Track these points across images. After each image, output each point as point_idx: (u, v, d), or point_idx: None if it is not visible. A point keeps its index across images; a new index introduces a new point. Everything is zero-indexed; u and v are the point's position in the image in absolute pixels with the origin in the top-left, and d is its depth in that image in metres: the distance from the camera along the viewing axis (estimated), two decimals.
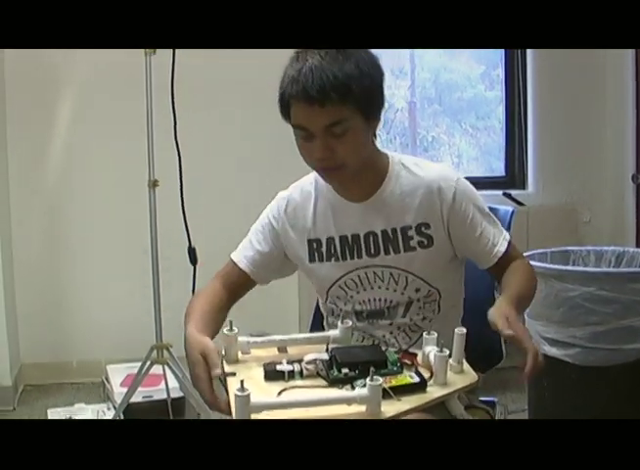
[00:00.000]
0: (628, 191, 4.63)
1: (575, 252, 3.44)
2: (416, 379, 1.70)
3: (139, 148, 3.35)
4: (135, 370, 3.37)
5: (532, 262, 3.08)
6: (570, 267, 3.24)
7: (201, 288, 2.80)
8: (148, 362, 3.30)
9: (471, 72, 5.04)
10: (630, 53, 4.52)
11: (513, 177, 4.86)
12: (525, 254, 3.19)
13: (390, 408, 1.62)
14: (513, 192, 4.64)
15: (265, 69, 4.17)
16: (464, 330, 1.78)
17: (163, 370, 3.43)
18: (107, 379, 4.04)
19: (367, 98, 1.90)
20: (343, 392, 1.67)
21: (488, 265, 2.05)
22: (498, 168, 4.95)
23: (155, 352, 3.32)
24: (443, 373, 1.73)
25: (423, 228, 2.01)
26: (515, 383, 3.86)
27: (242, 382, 1.54)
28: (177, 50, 3.12)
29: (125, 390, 3.43)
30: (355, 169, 1.96)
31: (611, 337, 2.99)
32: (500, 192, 4.56)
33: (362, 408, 1.60)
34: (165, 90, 3.02)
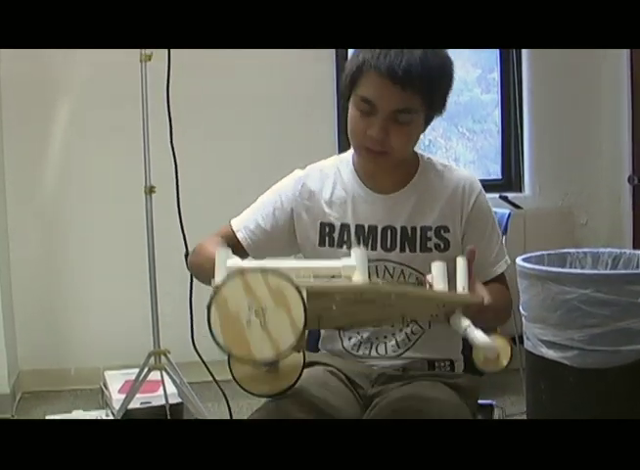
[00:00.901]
0: (625, 193, 4.64)
1: (572, 254, 3.43)
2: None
3: (135, 154, 3.35)
4: (133, 376, 3.37)
5: (529, 265, 3.10)
6: (566, 270, 3.23)
7: (195, 295, 2.82)
8: (146, 369, 3.30)
9: (467, 76, 5.05)
10: (625, 56, 4.53)
11: (509, 180, 4.88)
12: (521, 257, 3.20)
13: (388, 286, 1.72)
14: (510, 195, 4.66)
15: (262, 74, 4.23)
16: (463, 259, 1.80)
17: (161, 376, 3.43)
18: (105, 385, 4.04)
19: (440, 99, 1.96)
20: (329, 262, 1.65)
21: (478, 279, 2.03)
22: (495, 172, 4.97)
23: (152, 358, 3.32)
24: (441, 278, 1.76)
25: (442, 231, 2.03)
26: (513, 386, 3.87)
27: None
28: (173, 56, 3.12)
29: (124, 396, 3.43)
30: (396, 162, 1.99)
31: (608, 339, 2.97)
32: (497, 195, 4.57)
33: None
34: (161, 96, 3.02)
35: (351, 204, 2.06)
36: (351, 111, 1.95)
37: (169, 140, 3.05)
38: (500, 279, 2.13)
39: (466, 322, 1.77)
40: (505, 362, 1.74)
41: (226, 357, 1.78)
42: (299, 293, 1.41)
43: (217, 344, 1.41)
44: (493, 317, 2.00)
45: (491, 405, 2.35)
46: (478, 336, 1.74)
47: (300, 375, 1.89)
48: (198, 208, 3.73)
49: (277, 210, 2.10)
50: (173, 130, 3.08)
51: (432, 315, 1.83)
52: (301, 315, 1.40)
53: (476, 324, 1.97)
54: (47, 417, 3.79)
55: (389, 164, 2.00)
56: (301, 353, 1.91)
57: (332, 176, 2.11)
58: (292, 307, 1.40)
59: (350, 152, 2.14)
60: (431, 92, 1.89)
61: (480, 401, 2.22)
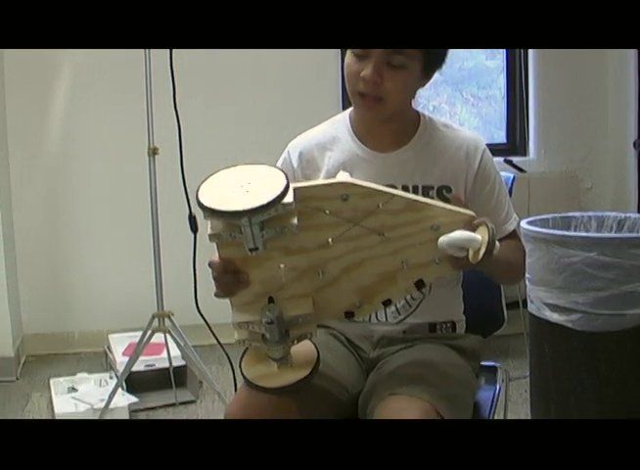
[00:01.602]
0: (630, 157, 4.62)
1: (577, 218, 3.43)
2: None
3: (138, 116, 3.33)
4: (137, 339, 3.37)
5: (534, 228, 3.10)
6: (571, 233, 3.23)
7: (199, 257, 2.82)
8: (149, 331, 3.30)
9: None
10: None
11: (514, 144, 4.86)
12: (526, 220, 3.20)
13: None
14: (514, 159, 4.64)
15: None
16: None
17: (165, 339, 3.43)
18: (109, 348, 4.05)
19: (436, 51, 1.92)
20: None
21: None
22: (499, 138, 4.94)
23: (156, 320, 3.32)
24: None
25: (444, 191, 2.00)
26: (516, 350, 3.88)
27: None
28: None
29: (127, 359, 3.44)
30: (391, 111, 1.96)
31: (612, 302, 2.98)
32: (501, 159, 4.55)
33: None
34: (165, 57, 3.00)
35: (350, 164, 2.03)
36: (347, 57, 1.94)
37: (173, 101, 3.03)
38: (513, 236, 2.10)
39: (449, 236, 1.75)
40: (483, 251, 1.71)
41: (231, 321, 1.81)
42: (284, 173, 1.65)
43: (202, 206, 1.58)
44: (507, 269, 2.00)
45: (495, 367, 2.34)
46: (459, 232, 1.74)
47: (316, 369, 1.86)
48: (201, 170, 3.69)
49: None
50: (177, 91, 3.05)
51: (434, 261, 1.80)
52: (282, 182, 1.61)
53: (491, 276, 1.98)
54: (51, 380, 3.81)
55: (385, 113, 1.97)
56: (315, 349, 1.89)
57: (328, 145, 2.08)
58: (275, 180, 1.62)
59: (347, 112, 2.12)
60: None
61: (483, 363, 2.21)
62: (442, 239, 1.74)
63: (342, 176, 1.82)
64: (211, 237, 1.69)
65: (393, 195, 1.78)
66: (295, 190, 1.67)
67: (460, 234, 1.74)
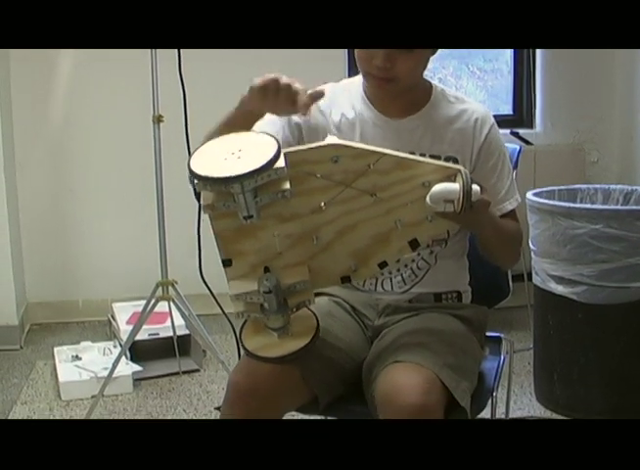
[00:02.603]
0: (637, 131, 4.60)
1: (583, 190, 3.42)
2: None
3: (143, 82, 3.31)
4: (141, 308, 3.36)
5: (540, 200, 3.09)
6: (577, 205, 3.22)
7: (204, 226, 2.81)
8: (153, 300, 3.29)
9: None
10: None
11: (521, 116, 4.83)
12: (531, 192, 3.19)
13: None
14: (520, 131, 4.62)
15: None
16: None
17: (169, 307, 3.43)
18: (113, 317, 4.06)
19: None
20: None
21: None
22: (505, 111, 4.91)
23: (160, 288, 3.31)
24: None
25: (451, 162, 1.98)
26: (520, 322, 3.88)
27: None
28: None
29: (131, 327, 3.44)
30: (405, 88, 1.97)
31: (618, 275, 2.98)
32: (508, 131, 4.53)
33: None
34: None
35: (359, 126, 2.04)
36: None
37: (178, 67, 3.01)
38: (511, 215, 2.08)
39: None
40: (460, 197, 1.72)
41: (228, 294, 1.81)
42: (275, 138, 1.67)
43: (195, 175, 1.60)
44: (499, 240, 1.98)
45: (499, 338, 2.34)
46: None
47: (316, 336, 1.86)
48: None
49: (285, 125, 2.03)
50: (182, 57, 3.03)
51: (426, 218, 1.81)
52: (274, 147, 1.63)
53: (483, 246, 1.98)
54: (55, 349, 3.82)
55: (399, 91, 1.98)
56: (314, 317, 1.90)
57: (342, 98, 2.08)
58: (266, 145, 1.65)
59: (360, 75, 2.10)
60: None
61: (487, 334, 2.21)
62: (427, 196, 1.76)
63: (332, 139, 1.83)
64: (205, 208, 1.69)
65: (383, 154, 1.80)
66: (285, 155, 1.68)
67: (438, 186, 1.76)
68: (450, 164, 1.83)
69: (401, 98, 2.02)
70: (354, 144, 1.84)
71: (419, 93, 2.05)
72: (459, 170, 1.76)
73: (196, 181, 1.64)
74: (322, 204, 1.81)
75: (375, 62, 1.89)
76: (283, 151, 1.68)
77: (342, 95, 2.08)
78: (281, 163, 1.66)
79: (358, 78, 2.10)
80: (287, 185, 1.69)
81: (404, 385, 1.74)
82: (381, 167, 1.79)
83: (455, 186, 1.73)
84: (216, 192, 1.69)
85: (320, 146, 1.82)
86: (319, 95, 1.81)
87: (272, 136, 1.68)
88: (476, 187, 1.73)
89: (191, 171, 1.62)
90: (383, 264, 1.88)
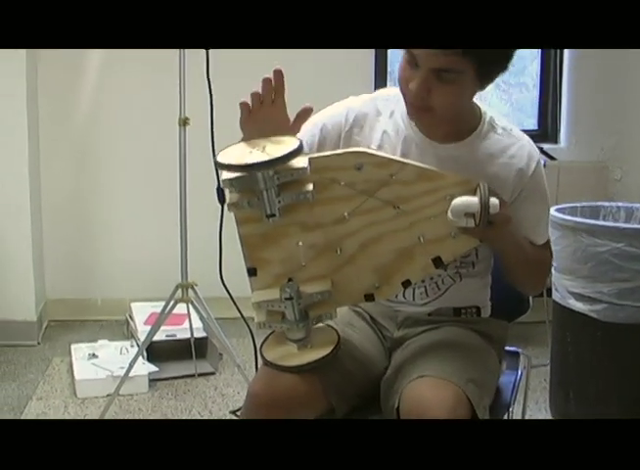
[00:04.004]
0: None
1: (606, 207, 3.41)
2: None
3: (171, 85, 3.32)
4: (159, 309, 3.37)
5: (562, 216, 3.08)
6: (600, 222, 3.21)
7: (225, 230, 2.81)
8: (172, 301, 3.30)
9: None
10: None
11: (545, 131, 4.81)
12: (554, 207, 3.18)
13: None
14: (545, 146, 4.60)
15: None
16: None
17: (187, 309, 3.43)
18: (130, 317, 4.07)
19: (492, 60, 1.81)
20: None
21: None
22: (529, 125, 4.89)
23: (179, 290, 3.32)
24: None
25: None
26: (538, 338, 3.85)
27: None
28: None
29: (149, 328, 3.44)
30: (442, 120, 1.89)
31: (638, 294, 2.96)
32: None
33: None
34: None
35: (401, 146, 1.97)
36: (402, 58, 1.85)
37: (206, 72, 3.01)
38: (541, 246, 2.04)
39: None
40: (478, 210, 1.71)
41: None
42: (299, 139, 1.72)
43: (220, 165, 1.69)
44: (523, 260, 1.95)
45: (517, 352, 2.33)
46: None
47: (337, 349, 1.87)
48: (232, 141, 3.70)
49: (324, 131, 2.00)
50: (210, 61, 3.03)
51: (450, 235, 1.81)
52: (296, 142, 1.69)
53: (506, 265, 1.96)
54: (72, 346, 3.83)
55: (433, 121, 1.90)
56: (335, 332, 1.91)
57: (386, 115, 2.00)
58: (289, 142, 1.70)
59: None
60: (476, 53, 1.74)
61: (506, 348, 2.19)
62: (449, 210, 1.76)
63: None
64: (230, 206, 1.75)
65: (405, 163, 1.81)
66: (309, 160, 1.73)
67: (458, 200, 1.76)
68: (471, 178, 1.81)
69: (447, 124, 1.94)
70: (377, 152, 1.84)
71: (467, 119, 1.97)
72: (478, 184, 1.75)
73: (222, 178, 1.71)
74: (345, 214, 1.81)
75: (411, 86, 1.81)
76: (307, 156, 1.73)
77: (386, 110, 2.01)
78: (304, 163, 1.71)
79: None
80: (310, 187, 1.73)
81: (432, 400, 1.73)
82: (403, 178, 1.80)
83: (474, 199, 1.73)
84: (240, 190, 1.73)
85: (344, 152, 1.84)
86: (307, 113, 1.84)
87: (295, 137, 1.73)
88: (494, 200, 1.72)
89: (216, 162, 1.69)
90: (406, 283, 1.88)
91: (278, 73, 1.81)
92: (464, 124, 1.97)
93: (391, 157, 1.82)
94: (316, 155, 1.81)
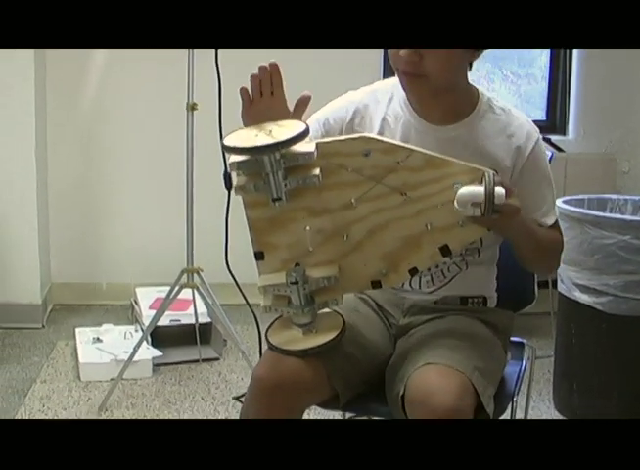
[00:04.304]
0: None
1: (613, 200, 3.40)
2: None
3: (178, 71, 3.32)
4: (164, 294, 3.37)
5: (569, 207, 3.07)
6: (607, 214, 3.20)
7: (232, 216, 2.81)
8: (177, 286, 3.30)
9: None
10: None
11: (553, 123, 4.80)
12: (561, 199, 3.17)
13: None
14: (552, 137, 4.59)
15: None
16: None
17: (192, 295, 3.45)
18: (135, 301, 4.07)
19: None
20: None
21: None
22: (538, 117, 4.88)
23: (185, 276, 3.32)
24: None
25: None
26: (542, 329, 3.85)
27: None
28: None
29: (154, 313, 3.45)
30: (437, 87, 1.90)
31: None
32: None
33: None
34: None
35: (401, 131, 1.99)
36: None
37: (215, 57, 3.00)
38: (551, 227, 2.05)
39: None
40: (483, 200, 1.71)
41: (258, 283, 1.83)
42: (305, 123, 1.75)
43: (226, 147, 1.71)
44: (534, 246, 1.97)
45: (522, 343, 2.33)
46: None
47: (342, 333, 1.87)
48: (239, 126, 3.69)
49: (326, 126, 2.02)
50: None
51: (458, 223, 1.80)
52: (303, 126, 1.71)
53: (517, 250, 1.95)
54: (77, 330, 3.84)
55: (430, 90, 1.91)
56: (340, 317, 1.91)
57: (384, 103, 2.03)
58: (296, 126, 1.73)
59: None
60: None
61: (511, 339, 2.19)
62: (455, 199, 1.76)
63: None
64: (237, 189, 1.76)
65: (412, 150, 1.80)
66: (317, 145, 1.74)
67: (464, 189, 1.76)
68: (478, 166, 1.81)
69: (442, 102, 1.96)
70: (385, 139, 1.84)
71: (463, 100, 1.99)
72: (484, 172, 1.75)
73: (229, 161, 1.73)
74: (352, 199, 1.81)
75: (402, 52, 1.83)
76: (315, 141, 1.75)
77: (384, 99, 2.04)
78: (310, 147, 1.72)
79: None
80: (316, 171, 1.74)
81: (439, 387, 1.73)
82: (411, 164, 1.80)
83: (480, 189, 1.73)
84: (247, 174, 1.75)
85: (351, 138, 1.84)
86: (305, 101, 1.88)
87: (302, 122, 1.76)
88: (499, 189, 1.71)
89: (223, 145, 1.71)
90: (413, 271, 1.88)
91: (274, 66, 1.86)
92: (461, 105, 1.99)
93: (399, 143, 1.83)
94: (324, 140, 1.82)
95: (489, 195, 1.70)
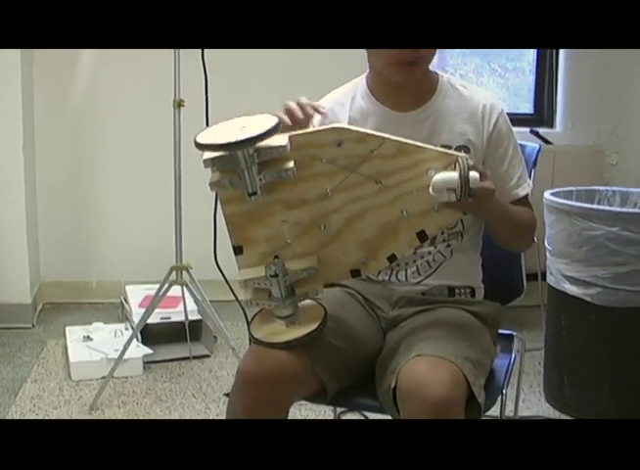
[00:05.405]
0: None
1: (601, 192, 3.41)
2: None
3: (165, 67, 3.31)
4: (154, 291, 3.36)
5: (557, 200, 3.08)
6: (595, 206, 3.21)
7: (220, 212, 2.81)
8: (167, 283, 3.30)
9: None
10: None
11: (541, 115, 4.82)
12: (549, 191, 3.18)
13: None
14: (540, 130, 4.60)
15: None
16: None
17: (182, 292, 3.44)
18: (125, 299, 4.07)
19: None
20: None
21: None
22: (525, 110, 4.89)
23: (174, 273, 3.32)
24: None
25: (462, 151, 1.96)
26: (532, 322, 3.86)
27: None
28: None
29: (143, 310, 3.45)
30: (423, 72, 1.99)
31: (633, 278, 2.96)
32: (527, 129, 4.52)
33: None
34: None
35: (369, 124, 2.03)
36: None
37: (201, 53, 3.00)
38: (523, 202, 2.09)
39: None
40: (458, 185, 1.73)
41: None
42: (278, 116, 1.76)
43: (199, 145, 1.72)
44: (510, 226, 2.00)
45: (511, 335, 2.33)
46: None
47: (323, 324, 1.89)
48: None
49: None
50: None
51: (433, 208, 1.81)
52: (275, 120, 1.71)
53: (493, 233, 1.97)
54: (67, 328, 3.84)
55: (418, 75, 1.99)
56: (322, 307, 1.92)
57: (348, 105, 2.09)
58: (268, 120, 1.72)
59: (362, 76, 2.13)
60: None
61: (500, 331, 2.20)
62: (430, 186, 1.77)
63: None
64: (212, 185, 1.78)
65: (384, 138, 1.81)
66: (290, 138, 1.75)
67: (438, 176, 1.77)
68: (450, 151, 1.84)
69: (409, 89, 2.03)
70: (357, 128, 1.85)
71: (425, 84, 2.06)
72: (457, 157, 1.76)
73: (203, 158, 1.74)
74: (328, 190, 1.83)
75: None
76: (288, 134, 1.76)
77: (347, 101, 2.10)
78: (283, 141, 1.73)
79: (359, 79, 2.13)
80: (290, 164, 1.75)
81: (430, 379, 1.73)
82: (384, 153, 1.81)
83: (454, 174, 1.74)
84: (222, 170, 1.77)
85: (323, 129, 1.84)
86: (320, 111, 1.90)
87: (274, 114, 1.77)
88: (474, 174, 1.73)
89: (196, 143, 1.72)
90: (392, 258, 1.89)
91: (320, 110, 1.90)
92: (424, 87, 2.05)
93: (371, 132, 1.84)
94: (296, 132, 1.82)
95: (464, 180, 1.71)
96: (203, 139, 1.72)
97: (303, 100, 1.88)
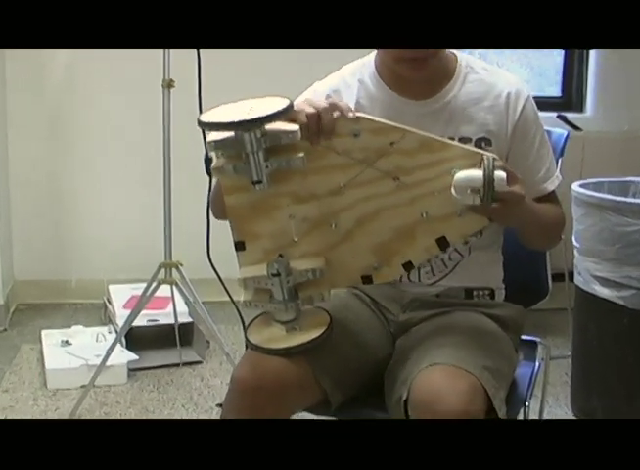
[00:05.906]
0: None
1: (636, 183, 3.41)
2: None
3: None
4: (140, 291, 3.37)
5: (586, 192, 3.08)
6: (629, 199, 3.21)
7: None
8: (154, 282, 3.30)
9: None
10: None
11: (570, 98, 4.81)
12: (577, 182, 3.18)
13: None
14: (569, 115, 4.60)
15: None
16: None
17: (172, 292, 3.44)
18: (108, 300, 4.08)
19: None
20: None
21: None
22: (552, 92, 4.89)
23: (163, 271, 3.31)
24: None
25: (483, 144, 1.97)
26: (559, 327, 3.87)
27: None
28: None
29: (128, 312, 3.45)
30: (436, 62, 1.95)
31: None
32: (554, 114, 4.52)
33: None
34: None
35: (379, 112, 1.98)
36: None
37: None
38: (551, 197, 2.08)
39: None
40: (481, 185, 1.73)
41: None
42: (289, 99, 1.72)
43: (202, 124, 1.71)
44: (539, 229, 2.00)
45: (535, 342, 2.34)
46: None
47: (328, 331, 1.88)
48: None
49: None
50: None
51: (456, 213, 1.81)
52: (286, 101, 1.70)
53: (521, 235, 1.98)
54: (43, 332, 3.85)
55: (429, 68, 1.95)
56: (326, 313, 1.92)
57: (355, 86, 2.06)
58: (278, 102, 1.70)
59: (371, 55, 2.09)
60: None
61: (522, 337, 2.20)
62: (452, 185, 1.77)
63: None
64: (214, 171, 1.79)
65: (406, 131, 1.81)
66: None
67: (461, 173, 1.77)
68: (477, 150, 1.83)
69: (423, 75, 1.98)
70: (376, 118, 1.85)
71: (441, 68, 2.01)
72: (482, 156, 1.76)
73: (207, 140, 1.75)
74: (341, 184, 1.83)
75: None
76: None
77: (354, 82, 2.07)
78: (295, 126, 1.72)
79: (368, 58, 2.09)
80: (301, 153, 1.74)
81: (446, 390, 1.73)
82: (404, 147, 1.81)
83: (478, 173, 1.73)
84: (226, 154, 1.77)
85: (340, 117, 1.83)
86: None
87: (287, 97, 1.73)
88: (499, 174, 1.72)
89: (199, 121, 1.70)
90: (408, 266, 1.89)
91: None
92: (440, 71, 2.01)
93: (392, 124, 1.83)
94: None
95: (488, 178, 1.71)
96: (207, 118, 1.72)
97: (338, 104, 1.83)
